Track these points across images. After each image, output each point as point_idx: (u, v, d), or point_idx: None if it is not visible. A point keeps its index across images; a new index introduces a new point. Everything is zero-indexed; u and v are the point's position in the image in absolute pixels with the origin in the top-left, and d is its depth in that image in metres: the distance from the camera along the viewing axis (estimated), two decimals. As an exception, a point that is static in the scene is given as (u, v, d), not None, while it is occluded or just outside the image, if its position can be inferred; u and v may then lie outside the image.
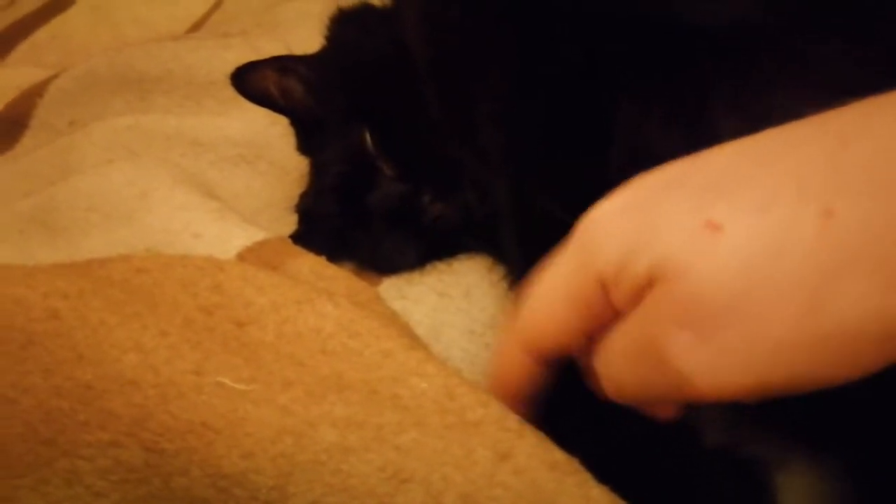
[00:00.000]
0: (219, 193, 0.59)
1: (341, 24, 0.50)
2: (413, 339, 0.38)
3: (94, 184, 0.57)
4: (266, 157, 0.62)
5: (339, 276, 0.42)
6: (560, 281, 0.25)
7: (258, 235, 0.47)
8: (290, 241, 0.47)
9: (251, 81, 0.48)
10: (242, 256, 0.45)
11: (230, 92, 0.54)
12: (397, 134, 0.45)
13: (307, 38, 0.68)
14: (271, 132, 0.61)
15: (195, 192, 0.53)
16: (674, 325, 0.21)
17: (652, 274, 0.22)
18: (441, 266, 0.48)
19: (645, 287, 0.22)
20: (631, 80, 0.34)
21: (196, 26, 0.89)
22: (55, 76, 0.76)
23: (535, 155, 0.37)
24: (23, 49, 0.88)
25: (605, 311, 0.24)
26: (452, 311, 0.45)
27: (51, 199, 0.58)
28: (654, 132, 0.35)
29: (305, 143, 0.51)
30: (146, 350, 0.31)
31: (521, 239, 0.37)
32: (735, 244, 0.20)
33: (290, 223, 0.55)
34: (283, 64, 0.49)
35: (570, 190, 0.36)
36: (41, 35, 0.90)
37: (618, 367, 0.24)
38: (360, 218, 0.47)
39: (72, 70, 0.76)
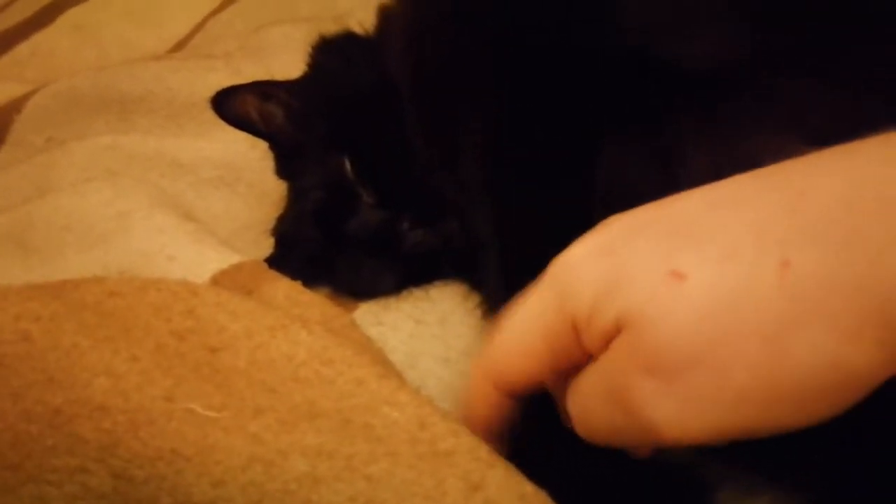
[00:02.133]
0: (197, 215, 0.58)
1: (323, 51, 0.50)
2: (386, 367, 0.38)
3: (72, 203, 0.56)
4: (245, 180, 0.62)
5: (313, 302, 0.42)
6: (532, 319, 0.26)
7: (233, 258, 0.47)
8: (265, 264, 0.47)
9: (232, 105, 0.49)
10: (217, 280, 0.45)
11: (211, 114, 0.54)
12: (377, 162, 0.46)
13: (289, 63, 0.68)
14: (251, 155, 0.61)
15: (173, 213, 0.53)
16: (640, 372, 0.22)
17: (620, 321, 0.22)
18: (417, 293, 0.48)
19: (613, 333, 0.23)
20: (611, 117, 0.35)
21: (178, 46, 0.89)
22: (34, 92, 0.76)
23: (515, 188, 0.37)
24: (3, 63, 0.88)
25: (576, 352, 0.24)
26: (428, 338, 0.45)
27: (27, 217, 0.58)
28: (632, 169, 0.35)
29: (284, 168, 0.52)
30: (117, 375, 0.31)
31: (500, 269, 0.38)
32: (697, 294, 0.21)
33: (269, 246, 0.55)
34: (264, 89, 0.49)
35: (549, 223, 0.36)
36: (22, 50, 0.89)
37: (587, 410, 0.25)
38: (339, 243, 0.47)
39: (52, 86, 0.76)
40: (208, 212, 0.60)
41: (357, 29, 0.52)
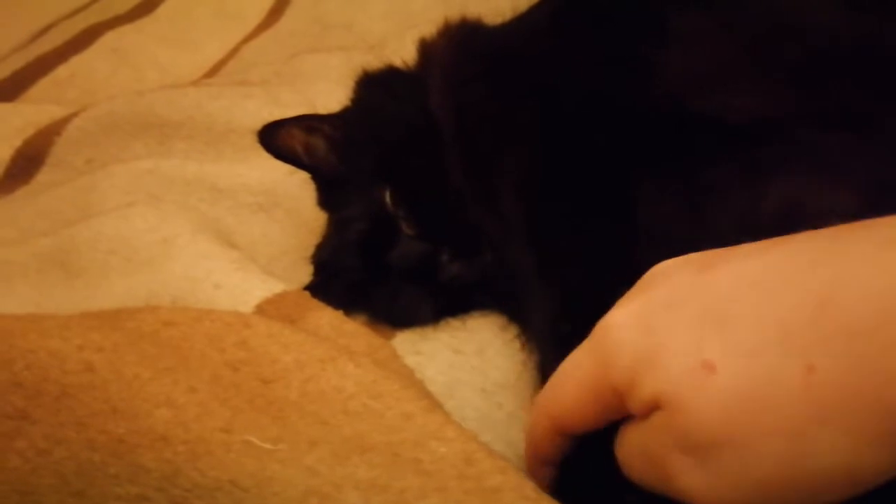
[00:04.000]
0: (236, 240, 0.60)
1: (367, 86, 0.52)
2: (431, 401, 0.38)
3: (115, 226, 0.58)
4: (283, 206, 0.64)
5: (358, 333, 0.43)
6: (581, 375, 0.28)
7: (277, 287, 0.48)
8: (308, 294, 0.48)
9: (278, 139, 0.50)
10: (262, 308, 0.46)
11: (250, 140, 0.55)
12: (418, 195, 0.47)
13: (326, 91, 0.70)
14: (289, 182, 0.62)
15: (216, 240, 0.54)
16: (675, 449, 0.24)
17: (656, 399, 0.25)
18: (455, 323, 0.49)
19: (652, 406, 0.25)
20: (649, 162, 0.36)
21: (213, 71, 0.91)
22: (74, 115, 0.78)
23: (555, 227, 0.38)
24: (43, 85, 0.90)
25: (622, 408, 0.27)
26: (466, 368, 0.46)
27: (70, 240, 0.59)
28: (668, 212, 0.36)
29: (326, 199, 0.53)
30: (177, 406, 0.32)
31: (543, 305, 0.39)
32: (726, 385, 0.23)
33: (306, 272, 0.56)
34: (308, 122, 0.51)
35: (589, 262, 0.37)
36: (61, 73, 0.92)
37: (630, 463, 0.27)
38: (379, 273, 0.49)
39: (91, 110, 0.78)
40: (246, 237, 0.62)
41: (398, 62, 0.54)
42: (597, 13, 0.41)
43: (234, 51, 0.93)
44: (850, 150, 0.35)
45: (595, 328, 0.28)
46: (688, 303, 0.26)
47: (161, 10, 1.01)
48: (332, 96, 0.61)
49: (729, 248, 0.27)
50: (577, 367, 0.29)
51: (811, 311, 0.22)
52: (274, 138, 0.50)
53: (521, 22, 0.47)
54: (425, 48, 0.52)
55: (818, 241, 0.24)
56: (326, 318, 0.45)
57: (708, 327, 0.24)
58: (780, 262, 0.25)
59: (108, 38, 0.95)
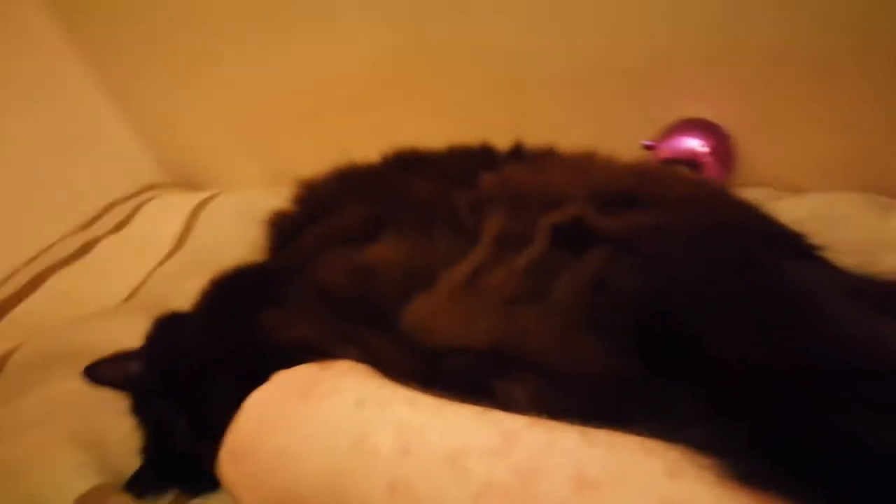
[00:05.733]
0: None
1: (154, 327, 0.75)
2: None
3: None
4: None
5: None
6: None
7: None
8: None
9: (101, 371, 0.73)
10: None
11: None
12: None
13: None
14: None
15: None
16: None
17: None
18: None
19: None
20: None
21: (130, 296, 1.16)
22: (15, 349, 1.02)
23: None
24: (2, 327, 1.16)
25: None
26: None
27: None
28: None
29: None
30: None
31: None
32: None
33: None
34: (124, 356, 0.74)
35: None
36: (17, 313, 1.17)
37: None
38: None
39: (28, 343, 1.02)
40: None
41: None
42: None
43: (146, 279, 1.19)
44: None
45: None
46: None
47: (96, 250, 1.29)
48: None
49: None
50: None
51: None
52: (99, 371, 0.73)
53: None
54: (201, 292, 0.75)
55: None
56: None
57: None
58: None
59: (52, 281, 1.22)
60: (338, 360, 0.53)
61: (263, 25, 1.29)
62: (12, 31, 1.43)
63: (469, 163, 0.79)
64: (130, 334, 0.94)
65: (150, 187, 1.58)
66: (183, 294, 1.03)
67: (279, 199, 1.11)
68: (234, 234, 1.18)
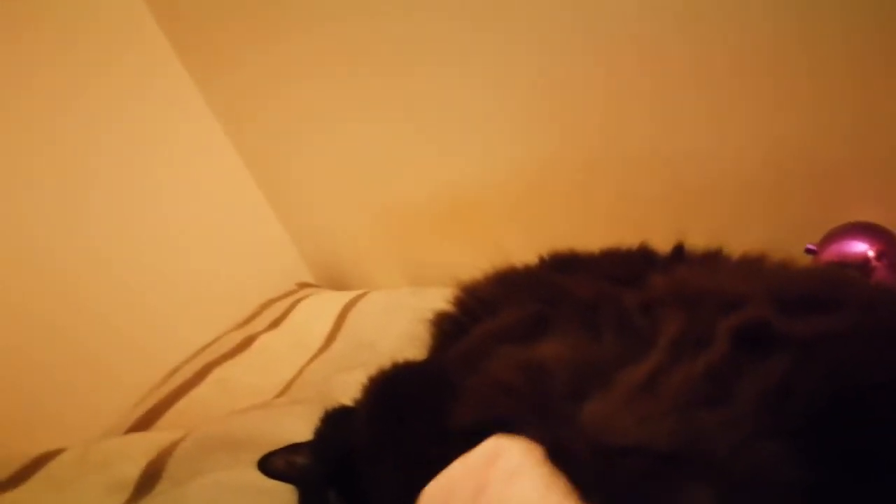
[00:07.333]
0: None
1: (324, 420, 0.78)
2: None
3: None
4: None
5: None
6: None
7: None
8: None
9: (271, 464, 0.76)
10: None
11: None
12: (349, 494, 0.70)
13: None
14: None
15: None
16: None
17: None
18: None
19: None
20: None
21: (284, 391, 1.21)
22: (182, 439, 1.08)
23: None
24: (168, 417, 1.23)
25: None
26: None
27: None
28: None
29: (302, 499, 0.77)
30: None
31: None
32: None
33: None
34: (292, 449, 0.76)
35: None
36: (182, 404, 1.25)
37: None
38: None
39: (194, 433, 1.08)
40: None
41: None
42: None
43: (300, 373, 1.24)
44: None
45: None
46: None
47: (255, 345, 1.36)
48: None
49: None
50: None
51: None
52: (269, 463, 0.76)
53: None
54: (364, 388, 0.78)
55: None
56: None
57: None
58: None
59: (216, 373, 1.30)
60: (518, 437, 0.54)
61: (420, 138, 1.38)
62: (185, 139, 1.60)
63: (629, 264, 0.79)
64: (289, 427, 0.99)
65: (303, 286, 1.67)
66: (337, 387, 1.08)
67: (423, 298, 1.15)
68: (383, 332, 1.22)
